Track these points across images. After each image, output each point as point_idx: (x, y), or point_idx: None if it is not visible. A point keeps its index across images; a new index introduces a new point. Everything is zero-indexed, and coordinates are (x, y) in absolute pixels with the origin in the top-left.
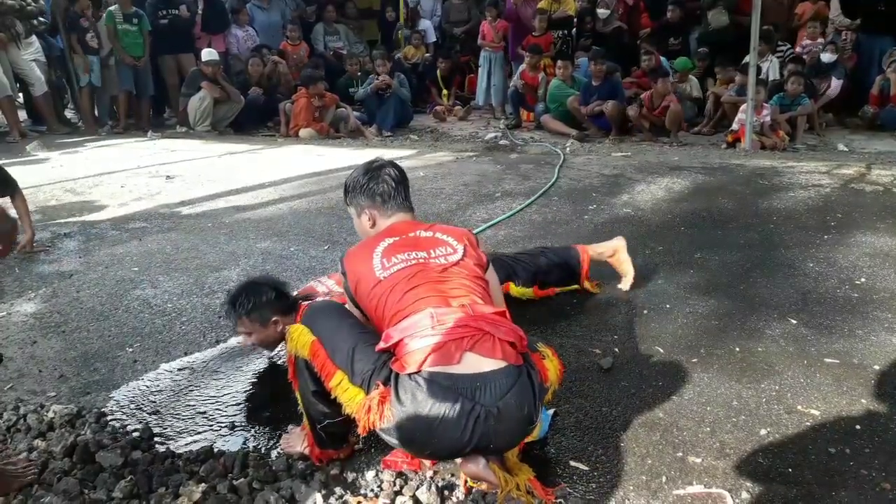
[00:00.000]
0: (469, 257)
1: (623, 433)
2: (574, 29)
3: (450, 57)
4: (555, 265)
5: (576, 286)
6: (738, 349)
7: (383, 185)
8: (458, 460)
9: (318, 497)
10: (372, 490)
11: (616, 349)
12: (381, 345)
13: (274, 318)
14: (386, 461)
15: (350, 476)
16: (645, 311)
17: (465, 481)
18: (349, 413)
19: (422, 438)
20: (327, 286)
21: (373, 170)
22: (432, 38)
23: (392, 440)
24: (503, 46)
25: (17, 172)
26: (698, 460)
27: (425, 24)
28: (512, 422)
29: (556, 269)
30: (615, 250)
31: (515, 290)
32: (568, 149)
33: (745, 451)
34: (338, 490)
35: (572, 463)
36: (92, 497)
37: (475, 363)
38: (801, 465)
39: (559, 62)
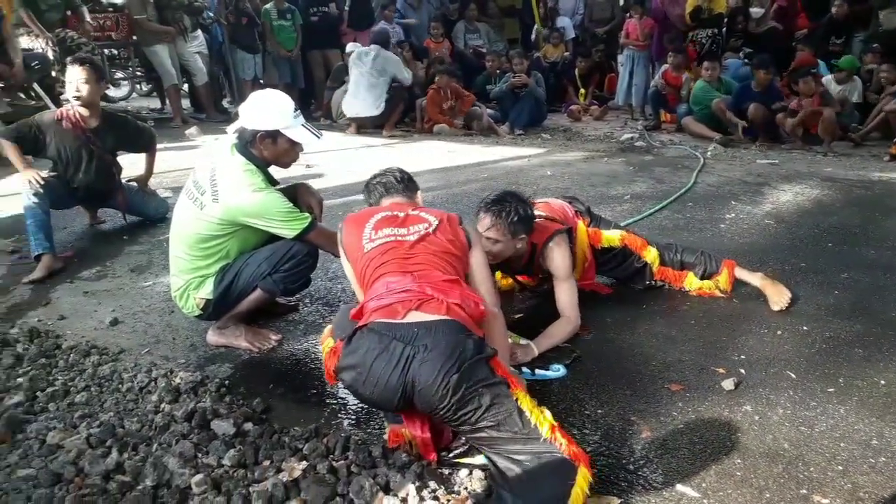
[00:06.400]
0: (442, 233)
1: (741, 461)
2: (724, 28)
3: (589, 55)
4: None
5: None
6: (883, 382)
7: (367, 195)
8: None
9: (412, 488)
10: (465, 488)
11: (742, 370)
12: (353, 311)
13: (522, 235)
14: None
15: (445, 471)
16: (778, 332)
17: None
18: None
19: (361, 379)
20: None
21: (369, 179)
22: (571, 34)
23: (348, 388)
24: (647, 45)
25: (173, 155)
26: (825, 501)
27: (564, 22)
28: (437, 361)
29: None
30: (761, 287)
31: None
32: (709, 153)
33: (882, 497)
34: (432, 484)
35: (680, 487)
36: (204, 462)
37: (419, 317)
38: None
39: (706, 63)
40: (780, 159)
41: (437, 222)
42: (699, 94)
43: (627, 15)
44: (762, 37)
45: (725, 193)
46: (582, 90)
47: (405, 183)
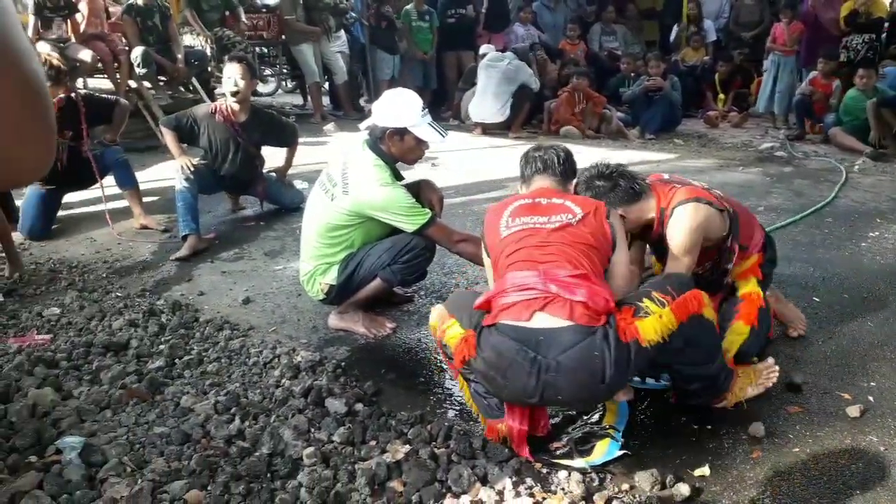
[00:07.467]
0: (585, 225)
1: (860, 493)
2: (884, 33)
3: (731, 60)
4: None
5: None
6: None
7: (523, 164)
8: None
9: (509, 482)
10: (562, 489)
11: (870, 398)
12: (478, 302)
13: (632, 204)
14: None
15: (543, 470)
16: None
17: None
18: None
19: (497, 379)
20: None
21: (530, 149)
22: (712, 37)
23: (479, 381)
24: (794, 50)
25: (310, 149)
26: None
27: (706, 24)
28: (573, 376)
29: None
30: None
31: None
32: (856, 167)
33: None
34: (528, 481)
35: None
36: (315, 436)
37: (543, 321)
38: None
39: (860, 70)
40: None
41: (581, 214)
42: (851, 104)
43: (778, 19)
44: None
45: (871, 210)
46: (721, 95)
47: (565, 166)
